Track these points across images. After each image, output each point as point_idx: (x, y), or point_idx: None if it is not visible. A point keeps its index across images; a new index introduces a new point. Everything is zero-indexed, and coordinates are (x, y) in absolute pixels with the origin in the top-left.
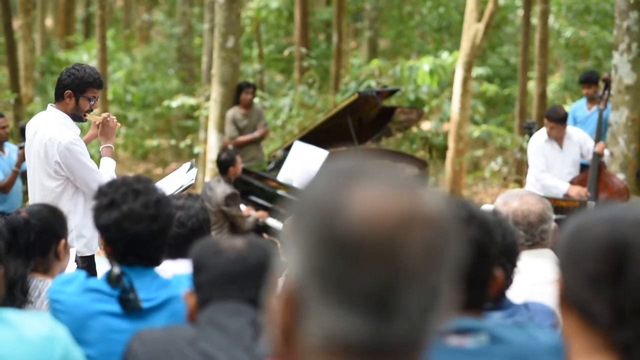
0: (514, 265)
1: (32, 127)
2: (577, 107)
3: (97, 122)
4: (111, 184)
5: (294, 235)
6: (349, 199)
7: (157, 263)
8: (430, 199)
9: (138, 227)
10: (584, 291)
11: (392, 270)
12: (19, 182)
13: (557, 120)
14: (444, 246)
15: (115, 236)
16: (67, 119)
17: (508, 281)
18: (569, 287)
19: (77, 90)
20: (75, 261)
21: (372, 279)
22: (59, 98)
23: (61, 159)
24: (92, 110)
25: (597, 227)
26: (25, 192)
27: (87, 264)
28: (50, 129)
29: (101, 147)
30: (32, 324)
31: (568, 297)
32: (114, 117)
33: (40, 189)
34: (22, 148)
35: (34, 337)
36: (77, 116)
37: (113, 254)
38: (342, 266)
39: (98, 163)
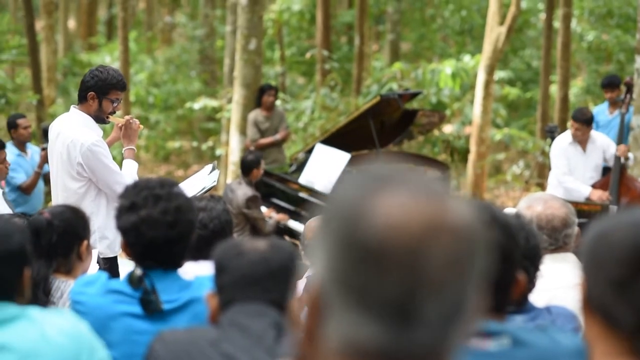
0: (537, 268)
1: (55, 128)
2: (599, 111)
3: (120, 125)
4: (135, 186)
5: (320, 239)
6: (375, 205)
7: (178, 266)
8: (458, 208)
9: (155, 232)
10: (607, 295)
11: (414, 279)
12: (40, 183)
13: (584, 121)
14: (469, 257)
15: (133, 240)
16: (90, 120)
17: (531, 285)
18: (592, 291)
19: (100, 92)
20: (98, 262)
21: (393, 286)
22: (82, 100)
23: (84, 161)
24: (115, 112)
25: (620, 232)
26: (47, 194)
27: (109, 265)
28: (73, 130)
29: (124, 150)
30: (57, 322)
31: (591, 301)
32: (137, 119)
33: (63, 191)
34: (44, 149)
35: (59, 335)
36: (100, 118)
37: (132, 256)
38: (364, 272)
39: (120, 165)
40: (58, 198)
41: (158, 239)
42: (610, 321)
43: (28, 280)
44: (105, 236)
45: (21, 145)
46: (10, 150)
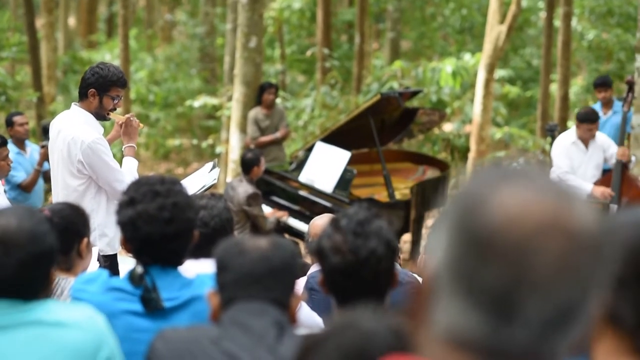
0: None
1: (56, 125)
2: None
3: (120, 122)
4: (137, 182)
5: (441, 224)
6: (496, 197)
7: (177, 264)
8: (582, 213)
9: (151, 228)
10: (609, 294)
11: (518, 274)
12: (40, 181)
13: (595, 120)
14: (582, 262)
15: (130, 235)
16: (91, 117)
17: None
18: None
19: (100, 89)
20: (98, 260)
21: (497, 278)
22: (82, 97)
23: (84, 158)
24: (115, 109)
25: (623, 230)
26: (47, 191)
27: (109, 262)
28: (74, 127)
29: (124, 147)
30: (78, 309)
31: None
32: (137, 117)
33: (63, 188)
34: (44, 147)
35: (83, 318)
36: (101, 115)
37: (131, 252)
38: (473, 260)
39: (120, 162)
40: (58, 195)
41: (154, 235)
42: (613, 319)
43: (54, 279)
44: (105, 234)
45: (20, 143)
46: (9, 149)
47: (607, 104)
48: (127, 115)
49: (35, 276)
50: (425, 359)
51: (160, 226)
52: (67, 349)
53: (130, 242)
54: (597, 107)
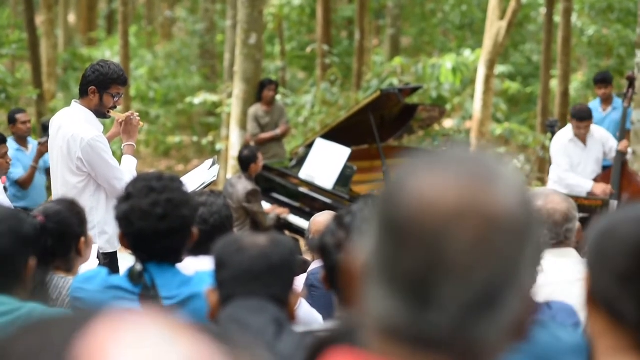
0: (537, 263)
1: (56, 122)
2: (592, 109)
3: (120, 120)
4: (136, 178)
5: (370, 214)
6: (412, 183)
7: (173, 261)
8: (505, 196)
9: (144, 224)
10: (612, 289)
11: (433, 259)
12: (41, 177)
13: (588, 117)
14: (501, 246)
15: (124, 229)
16: (91, 115)
17: (532, 279)
18: (596, 285)
19: (101, 87)
20: (97, 257)
21: (413, 264)
22: (83, 94)
23: (83, 156)
24: (115, 107)
25: (626, 226)
26: (49, 188)
27: (109, 260)
28: (74, 125)
29: (123, 145)
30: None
31: (596, 296)
32: (138, 116)
33: (63, 185)
34: (41, 144)
35: None
36: (101, 113)
37: (128, 247)
38: (392, 247)
39: (120, 160)
40: (58, 192)
41: (147, 231)
42: (615, 315)
43: (32, 270)
44: (104, 231)
45: (21, 140)
46: (10, 145)
47: (607, 101)
48: (127, 113)
49: (12, 260)
50: (366, 351)
51: (153, 222)
52: None
53: (126, 237)
54: (596, 103)
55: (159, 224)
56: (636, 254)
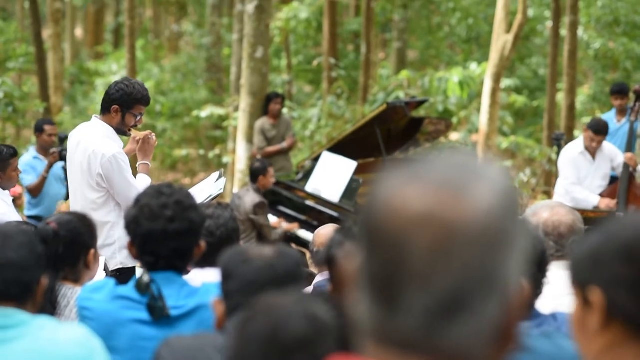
0: (543, 275)
1: (75, 137)
2: (607, 120)
3: (138, 138)
4: (147, 188)
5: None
6: (385, 190)
7: (180, 268)
8: (477, 205)
9: (153, 224)
10: (612, 293)
11: (395, 264)
12: (56, 185)
13: (606, 132)
14: (463, 254)
15: (133, 233)
16: (111, 131)
17: (537, 291)
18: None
19: (124, 106)
20: (105, 270)
21: (379, 268)
22: (105, 111)
23: (103, 171)
24: (137, 126)
25: (623, 232)
26: (67, 198)
27: (127, 275)
28: (94, 141)
29: (138, 164)
30: (65, 330)
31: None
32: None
33: (83, 200)
34: (52, 154)
35: (67, 342)
36: (122, 131)
37: (135, 255)
38: (364, 251)
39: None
40: (77, 207)
41: (155, 231)
42: (616, 315)
43: (43, 288)
44: (125, 246)
45: (43, 151)
46: (30, 152)
47: (622, 112)
48: (145, 132)
49: (26, 281)
50: (362, 357)
51: (162, 223)
52: None
53: (134, 241)
54: (611, 114)
55: (168, 225)
56: (633, 258)
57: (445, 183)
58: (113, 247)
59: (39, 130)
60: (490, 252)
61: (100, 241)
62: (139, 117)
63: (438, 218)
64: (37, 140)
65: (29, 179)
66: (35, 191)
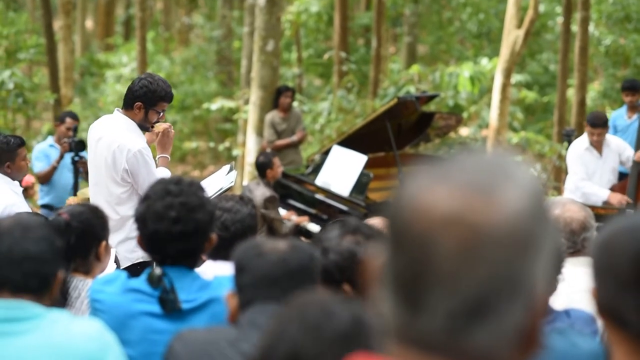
0: (558, 272)
1: (97, 131)
2: (617, 116)
3: (157, 131)
4: (156, 182)
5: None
6: (412, 189)
7: (190, 265)
8: (504, 206)
9: (157, 225)
10: (615, 299)
11: (421, 265)
12: (68, 175)
13: (603, 125)
14: (489, 256)
15: (140, 230)
16: (133, 125)
17: (551, 288)
18: (602, 295)
19: (148, 103)
20: (115, 262)
21: (404, 268)
22: (128, 107)
23: (129, 166)
24: (159, 122)
25: (625, 235)
26: (76, 189)
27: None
28: (119, 135)
29: (157, 157)
30: (79, 324)
31: (602, 306)
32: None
33: (107, 195)
34: (65, 143)
35: (82, 335)
36: (144, 127)
37: (145, 251)
38: (390, 251)
39: None
40: (99, 201)
41: (160, 232)
42: (621, 325)
43: (60, 282)
44: None
45: (60, 141)
46: (47, 141)
47: (633, 108)
48: (165, 125)
49: (44, 274)
50: (384, 356)
51: (167, 224)
52: (73, 355)
53: (142, 239)
54: (622, 110)
55: (172, 227)
56: (635, 264)
57: (474, 184)
58: (134, 240)
59: (60, 120)
60: (517, 255)
61: (123, 234)
62: (161, 114)
63: (465, 220)
64: (56, 130)
65: (40, 165)
66: (44, 179)
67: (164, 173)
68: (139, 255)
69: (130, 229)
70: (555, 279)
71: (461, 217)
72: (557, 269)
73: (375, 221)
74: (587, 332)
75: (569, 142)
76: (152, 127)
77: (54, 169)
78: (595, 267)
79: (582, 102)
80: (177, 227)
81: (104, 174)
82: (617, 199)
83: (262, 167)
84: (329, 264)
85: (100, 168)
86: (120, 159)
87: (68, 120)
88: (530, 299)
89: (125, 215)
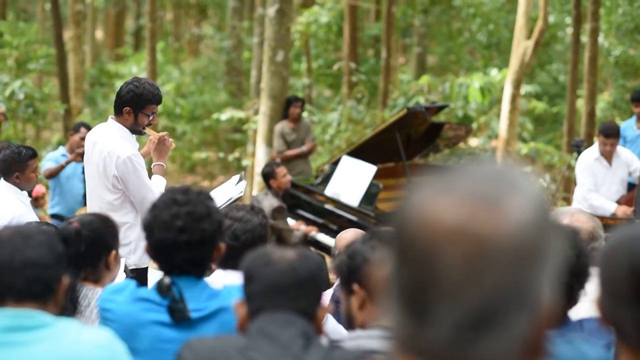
0: (581, 287)
1: (92, 138)
2: (627, 127)
3: (153, 139)
4: (165, 191)
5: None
6: (418, 200)
7: (197, 274)
8: (510, 218)
9: (164, 235)
10: (616, 310)
11: (426, 276)
12: (79, 185)
13: (616, 135)
14: (499, 268)
15: (147, 239)
16: (127, 132)
17: (572, 302)
18: (605, 307)
19: (136, 107)
20: (125, 271)
21: (410, 280)
22: (118, 112)
23: (119, 173)
24: (151, 124)
25: (623, 249)
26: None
27: (138, 275)
28: (110, 142)
29: (153, 165)
30: (88, 333)
31: (605, 317)
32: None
33: (99, 201)
34: (78, 154)
35: (90, 345)
36: (136, 131)
37: (153, 259)
38: (395, 262)
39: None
40: (94, 208)
41: (166, 242)
42: (620, 336)
43: (65, 287)
44: (140, 247)
45: (72, 151)
46: (59, 150)
47: None
48: (161, 133)
49: (47, 279)
50: None
51: (173, 234)
52: None
53: (149, 247)
54: (631, 121)
55: (178, 236)
56: (633, 277)
57: (479, 196)
58: (128, 247)
59: (75, 129)
60: (522, 267)
61: None
62: (152, 116)
63: (471, 232)
64: (69, 138)
65: (47, 165)
66: (50, 175)
67: (159, 181)
68: (131, 262)
69: (124, 236)
70: (577, 292)
71: (466, 229)
72: (580, 282)
73: (349, 234)
74: (601, 343)
75: (579, 153)
76: (144, 129)
77: (61, 167)
78: (599, 279)
79: (591, 113)
80: (183, 237)
81: (97, 181)
82: (623, 210)
83: (266, 178)
84: (340, 263)
85: (94, 175)
86: (110, 166)
87: (83, 130)
88: (536, 309)
89: (118, 222)
